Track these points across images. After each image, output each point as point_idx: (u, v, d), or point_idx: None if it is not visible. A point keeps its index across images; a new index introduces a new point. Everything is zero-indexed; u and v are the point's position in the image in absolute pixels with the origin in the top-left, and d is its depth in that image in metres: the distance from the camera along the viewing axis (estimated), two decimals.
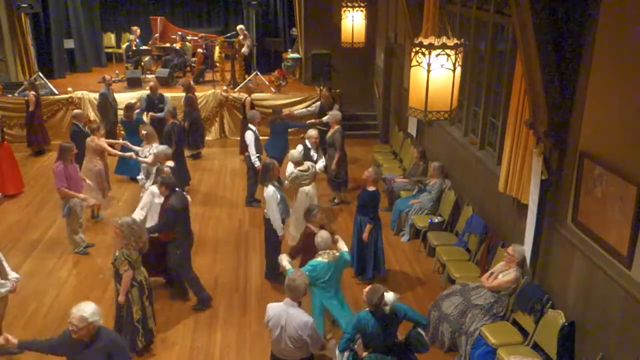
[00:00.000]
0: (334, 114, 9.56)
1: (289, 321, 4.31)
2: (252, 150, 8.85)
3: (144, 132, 8.52)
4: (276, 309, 4.41)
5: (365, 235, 6.84)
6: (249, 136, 8.88)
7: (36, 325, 6.32)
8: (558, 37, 4.83)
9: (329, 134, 9.55)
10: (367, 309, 4.53)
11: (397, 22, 11.07)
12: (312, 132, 8.56)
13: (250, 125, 9.00)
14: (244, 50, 13.82)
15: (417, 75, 4.57)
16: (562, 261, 5.25)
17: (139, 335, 5.63)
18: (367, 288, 4.56)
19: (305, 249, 5.71)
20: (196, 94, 11.82)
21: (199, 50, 14.55)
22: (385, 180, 9.36)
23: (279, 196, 6.63)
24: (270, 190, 6.61)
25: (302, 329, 4.29)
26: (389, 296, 4.40)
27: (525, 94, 5.41)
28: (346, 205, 9.37)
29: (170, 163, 7.64)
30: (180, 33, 15.54)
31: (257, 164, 8.58)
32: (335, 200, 9.47)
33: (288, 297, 4.39)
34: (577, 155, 4.96)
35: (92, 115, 12.21)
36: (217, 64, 14.43)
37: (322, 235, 5.36)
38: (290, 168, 7.63)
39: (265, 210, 6.82)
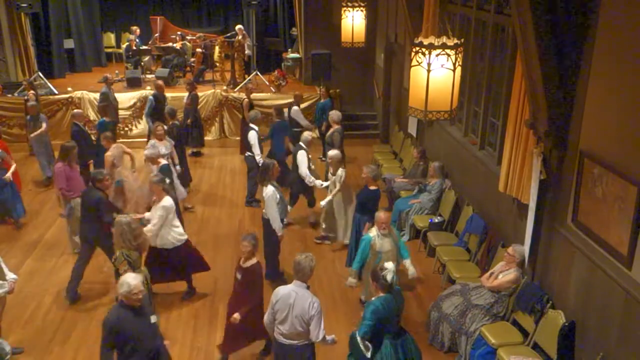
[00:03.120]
0: (333, 113, 9.55)
1: (298, 301, 4.50)
2: (256, 150, 8.85)
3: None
4: (285, 289, 4.61)
5: (365, 233, 6.84)
6: (252, 136, 8.87)
7: (36, 325, 6.32)
8: (558, 37, 4.83)
9: (329, 133, 9.55)
10: (380, 294, 4.65)
11: (397, 22, 11.07)
12: (309, 136, 8.49)
13: (252, 125, 9.01)
14: (247, 52, 13.85)
15: (417, 75, 4.57)
16: (563, 261, 5.25)
17: None
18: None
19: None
20: (197, 93, 11.85)
21: (198, 50, 14.55)
22: (385, 180, 9.36)
23: (278, 196, 6.63)
24: (269, 190, 6.61)
25: (307, 308, 4.48)
26: (389, 264, 4.67)
27: (525, 94, 5.41)
28: None
29: (163, 160, 7.73)
30: (180, 33, 15.54)
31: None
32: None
33: (296, 279, 4.59)
34: (577, 155, 4.96)
35: (93, 115, 12.21)
36: (217, 64, 14.44)
37: None
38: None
39: (263, 211, 6.82)
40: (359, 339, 4.53)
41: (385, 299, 4.63)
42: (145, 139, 10.79)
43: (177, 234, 6.52)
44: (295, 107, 10.71)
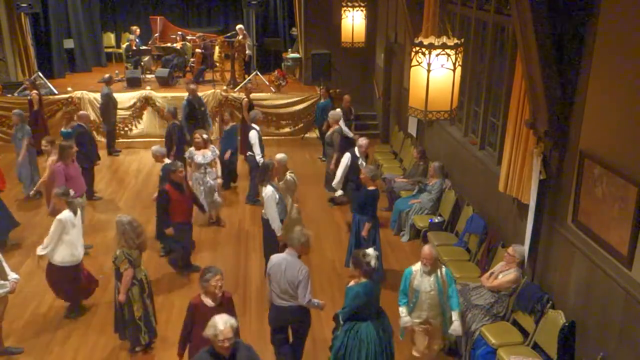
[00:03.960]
0: (333, 113, 9.56)
1: (288, 267, 4.99)
2: (256, 149, 8.86)
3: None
4: (278, 258, 5.12)
5: (365, 233, 6.85)
6: (253, 135, 8.88)
7: (36, 325, 6.32)
8: (558, 37, 4.83)
9: (328, 133, 9.55)
10: (361, 280, 4.83)
11: (397, 22, 11.07)
12: (363, 142, 8.28)
13: (253, 125, 9.02)
14: (248, 52, 13.86)
15: (417, 75, 4.57)
16: (563, 261, 5.25)
17: (141, 333, 5.73)
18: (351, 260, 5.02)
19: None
20: (198, 94, 11.84)
21: (198, 50, 14.56)
22: (385, 180, 9.37)
23: (277, 196, 6.63)
24: (268, 190, 6.61)
25: (296, 274, 4.94)
26: (370, 250, 4.87)
27: (525, 94, 5.41)
28: (343, 205, 9.35)
29: (167, 160, 7.71)
30: (180, 33, 15.55)
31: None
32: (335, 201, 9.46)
33: (289, 249, 5.10)
34: (577, 155, 4.96)
35: (92, 115, 12.20)
36: (217, 64, 14.44)
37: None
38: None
39: (263, 211, 6.83)
40: (340, 321, 4.94)
41: (366, 286, 4.82)
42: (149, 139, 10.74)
43: (67, 253, 6.05)
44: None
